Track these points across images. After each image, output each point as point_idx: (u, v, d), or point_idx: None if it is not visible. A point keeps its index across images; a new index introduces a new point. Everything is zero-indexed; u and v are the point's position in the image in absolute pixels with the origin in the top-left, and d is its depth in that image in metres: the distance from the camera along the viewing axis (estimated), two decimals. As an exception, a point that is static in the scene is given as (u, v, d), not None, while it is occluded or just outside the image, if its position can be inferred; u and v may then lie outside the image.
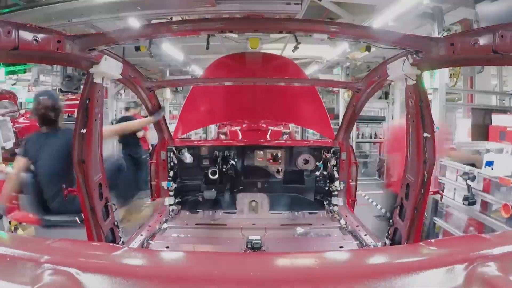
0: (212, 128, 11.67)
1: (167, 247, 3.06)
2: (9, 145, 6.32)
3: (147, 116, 3.82)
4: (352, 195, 4.05)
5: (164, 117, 3.92)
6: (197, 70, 12.24)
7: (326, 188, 4.06)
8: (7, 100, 8.46)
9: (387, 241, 2.74)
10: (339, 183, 3.98)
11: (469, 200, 3.95)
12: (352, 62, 10.77)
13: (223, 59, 4.48)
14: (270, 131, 7.00)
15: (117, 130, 4.67)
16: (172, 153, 4.02)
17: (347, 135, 4.01)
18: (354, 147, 6.13)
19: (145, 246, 2.94)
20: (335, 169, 3.98)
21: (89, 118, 2.29)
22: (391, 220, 2.72)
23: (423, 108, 2.25)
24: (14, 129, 7.08)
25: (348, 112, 3.71)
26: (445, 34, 4.88)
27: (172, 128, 4.34)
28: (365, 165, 11.52)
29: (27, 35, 1.58)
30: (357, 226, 3.39)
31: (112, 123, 7.81)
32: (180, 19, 5.16)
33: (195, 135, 12.45)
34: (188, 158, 3.97)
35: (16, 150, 4.10)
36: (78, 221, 2.48)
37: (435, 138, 2.28)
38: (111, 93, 10.24)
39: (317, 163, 4.08)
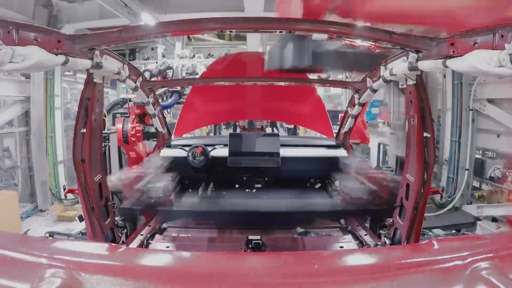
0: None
1: (167, 247, 3.06)
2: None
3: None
4: None
5: (163, 116, 3.93)
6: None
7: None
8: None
9: (387, 241, 2.75)
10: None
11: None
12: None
13: (223, 59, 4.49)
14: None
15: None
16: None
17: (347, 135, 4.01)
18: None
19: (145, 246, 2.94)
20: None
21: (89, 117, 2.29)
22: (391, 220, 2.73)
23: (423, 108, 2.25)
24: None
25: (348, 112, 3.72)
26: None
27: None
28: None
29: (27, 35, 1.58)
30: (357, 226, 3.39)
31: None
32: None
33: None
34: None
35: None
36: (79, 221, 2.48)
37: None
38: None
39: None
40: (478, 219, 6.33)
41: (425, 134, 2.28)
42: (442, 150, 7.51)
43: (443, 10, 2.19)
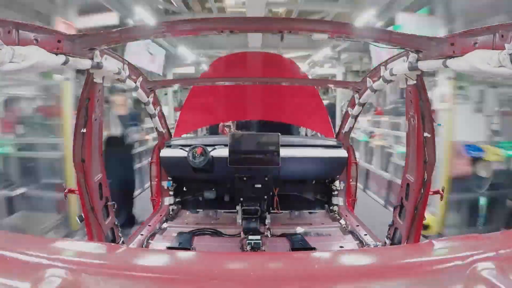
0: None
1: (167, 247, 3.06)
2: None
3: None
4: (352, 194, 4.05)
5: (164, 116, 3.93)
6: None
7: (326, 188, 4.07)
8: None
9: (387, 241, 2.75)
10: (339, 183, 3.98)
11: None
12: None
13: (224, 59, 4.49)
14: None
15: None
16: None
17: (347, 135, 4.01)
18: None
19: (145, 246, 2.94)
20: None
21: (89, 117, 2.29)
22: (391, 220, 2.73)
23: (423, 108, 2.25)
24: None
25: (348, 112, 3.72)
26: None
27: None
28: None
29: (27, 35, 1.58)
30: (357, 226, 3.39)
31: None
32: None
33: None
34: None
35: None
36: (79, 221, 2.48)
37: None
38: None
39: None
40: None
41: (425, 134, 2.28)
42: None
43: None
